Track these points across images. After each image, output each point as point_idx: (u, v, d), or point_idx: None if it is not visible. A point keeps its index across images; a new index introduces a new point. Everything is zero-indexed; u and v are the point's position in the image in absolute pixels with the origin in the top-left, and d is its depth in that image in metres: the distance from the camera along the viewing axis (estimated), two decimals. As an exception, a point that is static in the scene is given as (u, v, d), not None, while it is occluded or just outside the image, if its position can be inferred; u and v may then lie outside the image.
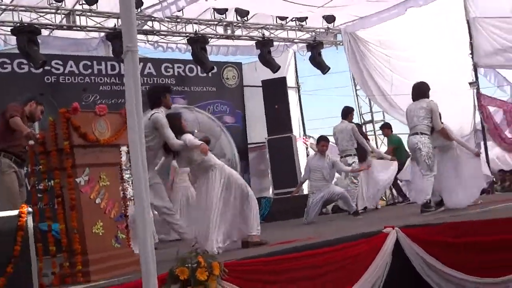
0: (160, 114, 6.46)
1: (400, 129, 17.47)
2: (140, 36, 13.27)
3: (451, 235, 5.46)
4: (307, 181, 11.01)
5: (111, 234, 5.11)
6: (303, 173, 11.26)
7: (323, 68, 15.04)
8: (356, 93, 17.20)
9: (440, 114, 8.69)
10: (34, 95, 7.51)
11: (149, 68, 13.48)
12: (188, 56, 13.61)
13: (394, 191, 15.08)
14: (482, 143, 14.87)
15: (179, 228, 6.53)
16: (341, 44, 15.71)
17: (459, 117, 14.60)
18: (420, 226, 5.91)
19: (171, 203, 6.79)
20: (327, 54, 15.53)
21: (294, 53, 16.53)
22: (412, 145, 8.59)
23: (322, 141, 10.50)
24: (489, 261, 5.11)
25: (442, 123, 8.69)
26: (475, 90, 14.26)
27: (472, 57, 14.14)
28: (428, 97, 8.83)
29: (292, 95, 16.03)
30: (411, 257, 5.68)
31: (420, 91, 8.91)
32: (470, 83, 14.13)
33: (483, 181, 9.23)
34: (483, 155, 13.87)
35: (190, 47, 13.25)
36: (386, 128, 14.28)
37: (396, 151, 13.03)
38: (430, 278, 5.51)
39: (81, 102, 11.37)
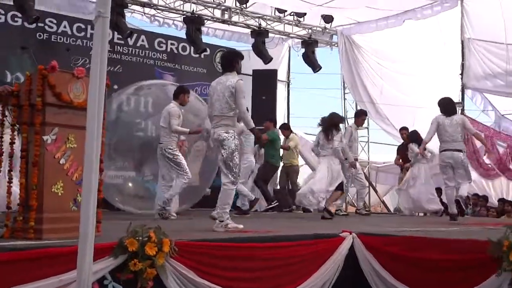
0: (241, 81, 6.81)
1: (383, 139, 17.66)
2: (137, 8, 13.28)
3: (405, 249, 5.49)
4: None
5: (70, 196, 5.07)
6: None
7: (315, 66, 15.10)
8: (344, 97, 17.24)
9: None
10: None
11: (142, 41, 13.47)
12: (183, 34, 13.59)
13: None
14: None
15: None
16: (335, 45, 15.78)
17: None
18: (377, 235, 5.94)
19: None
20: (320, 54, 15.60)
21: (289, 48, 16.55)
22: (457, 160, 9.41)
23: None
24: (437, 280, 5.13)
25: None
26: (459, 111, 14.30)
27: (462, 78, 14.20)
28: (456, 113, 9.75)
29: (281, 89, 16.05)
30: (362, 264, 5.69)
31: (452, 106, 9.76)
32: (456, 103, 14.18)
33: None
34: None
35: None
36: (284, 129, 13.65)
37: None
38: (376, 286, 5.54)
39: (70, 64, 11.36)
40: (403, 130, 13.46)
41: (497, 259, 4.60)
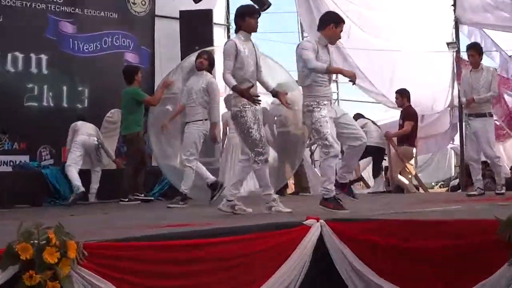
0: (229, 41, 8.33)
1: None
2: None
3: (389, 236, 5.54)
4: None
5: None
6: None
7: (263, 3, 14.79)
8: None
9: None
10: None
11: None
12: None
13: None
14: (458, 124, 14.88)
15: None
16: (288, -24, 15.74)
17: (433, 87, 14.67)
18: (352, 220, 5.99)
19: None
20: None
21: (226, -19, 16.48)
22: None
23: None
24: (432, 274, 5.22)
25: None
26: (454, 53, 14.38)
27: (455, 11, 14.25)
28: None
29: (219, 34, 15.93)
30: (335, 258, 5.74)
31: None
32: (448, 44, 14.24)
33: None
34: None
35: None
36: None
37: None
38: (354, 285, 5.61)
39: None
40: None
41: (508, 242, 4.63)
